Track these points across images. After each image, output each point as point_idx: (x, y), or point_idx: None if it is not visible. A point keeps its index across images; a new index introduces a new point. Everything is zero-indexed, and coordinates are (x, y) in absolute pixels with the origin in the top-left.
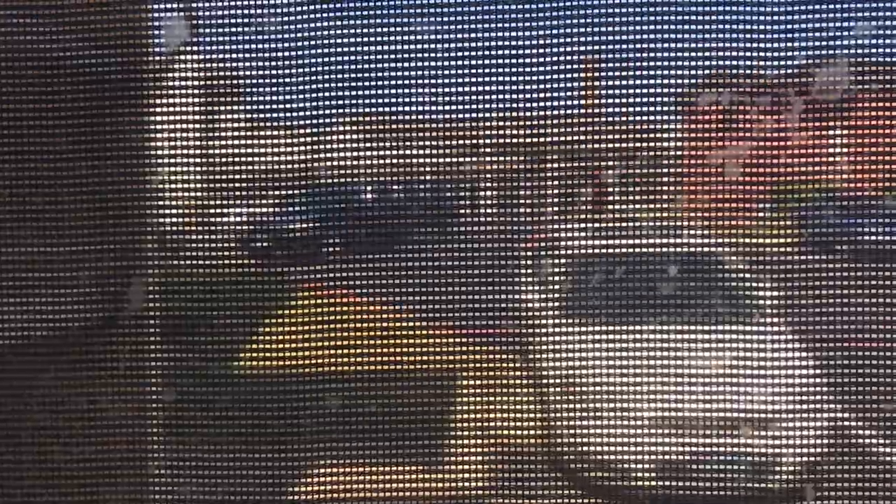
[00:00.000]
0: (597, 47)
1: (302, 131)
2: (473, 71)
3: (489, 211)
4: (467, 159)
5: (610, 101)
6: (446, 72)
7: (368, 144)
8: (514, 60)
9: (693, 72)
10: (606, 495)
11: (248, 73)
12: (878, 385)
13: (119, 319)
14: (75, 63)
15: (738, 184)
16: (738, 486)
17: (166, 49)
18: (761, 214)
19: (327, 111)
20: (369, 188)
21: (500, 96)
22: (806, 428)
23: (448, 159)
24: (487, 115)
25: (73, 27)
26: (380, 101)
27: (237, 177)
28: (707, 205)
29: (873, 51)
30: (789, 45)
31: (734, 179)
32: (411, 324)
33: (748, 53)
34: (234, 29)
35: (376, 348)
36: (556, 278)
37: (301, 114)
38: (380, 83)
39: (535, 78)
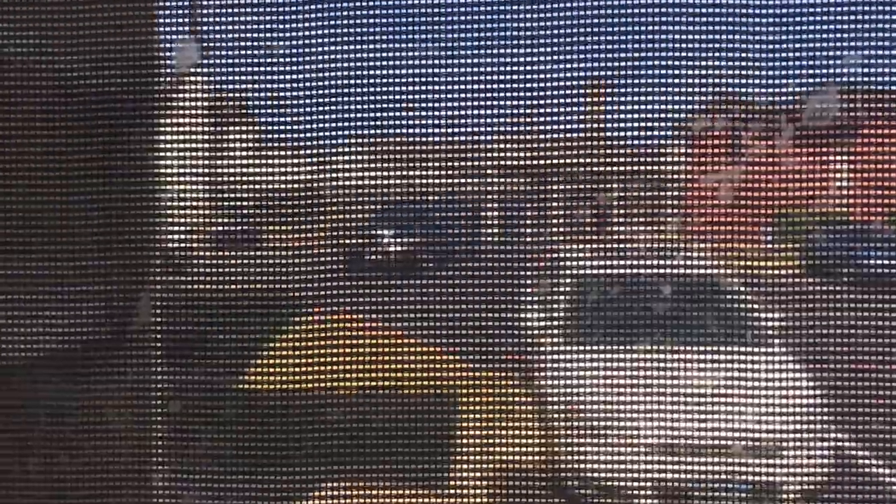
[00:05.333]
0: (599, 73)
1: (307, 152)
2: (477, 93)
3: (492, 231)
4: (470, 180)
5: (611, 125)
6: (451, 94)
7: (372, 165)
8: (517, 84)
9: (698, 97)
10: None
11: (255, 94)
12: (878, 408)
13: (127, 334)
14: (86, 84)
15: (739, 208)
16: None
17: (175, 70)
18: (762, 238)
19: (332, 132)
20: (374, 209)
21: (504, 118)
22: (806, 452)
23: (451, 180)
24: (490, 136)
25: (84, 49)
26: (384, 122)
27: (244, 195)
28: (708, 228)
29: (881, 78)
30: (789, 71)
31: (735, 203)
32: (412, 343)
33: (750, 80)
34: (241, 52)
35: (378, 368)
36: (558, 299)
37: (306, 135)
38: (384, 105)
39: (537, 101)
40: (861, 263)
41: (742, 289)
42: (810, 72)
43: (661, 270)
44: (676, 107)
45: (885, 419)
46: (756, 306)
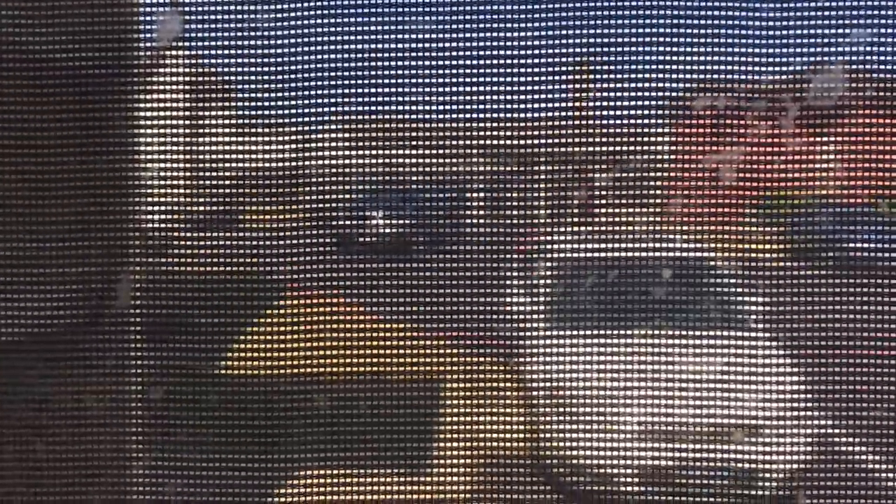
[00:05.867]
0: (590, 49)
1: (290, 130)
2: (464, 73)
3: (479, 213)
4: (457, 160)
5: (602, 104)
6: (438, 73)
7: (357, 145)
8: (506, 63)
9: (685, 76)
10: (590, 501)
11: (237, 70)
12: (865, 393)
13: (105, 317)
14: (62, 58)
15: (729, 189)
16: (722, 494)
17: (155, 45)
18: (751, 221)
19: (316, 111)
20: (358, 190)
21: (492, 97)
22: (792, 436)
23: (437, 159)
24: (477, 116)
25: (60, 22)
26: (369, 102)
27: (226, 175)
28: (696, 210)
29: (869, 58)
30: (783, 50)
31: (724, 185)
32: (398, 327)
33: (741, 59)
34: (224, 25)
35: (362, 351)
36: (545, 283)
37: (289, 112)
38: (369, 85)
39: (527, 80)
40: (845, 247)
41: (726, 273)
42: (800, 51)
43: (645, 255)
44: (668, 89)
45: (870, 404)
46: (740, 290)
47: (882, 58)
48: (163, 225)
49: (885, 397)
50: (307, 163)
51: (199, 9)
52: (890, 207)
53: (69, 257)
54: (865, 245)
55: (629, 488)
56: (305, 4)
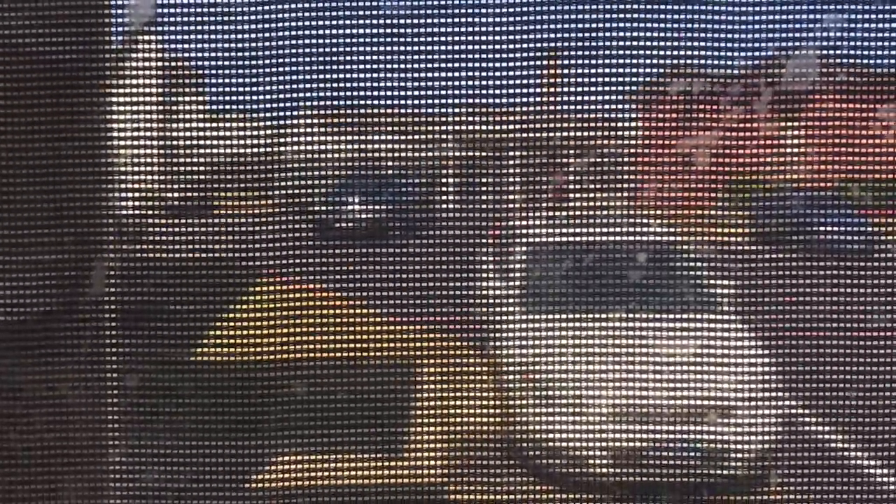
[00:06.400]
0: (559, 35)
1: (261, 116)
2: (435, 59)
3: (451, 199)
4: (428, 146)
5: (574, 90)
6: (409, 59)
7: (327, 130)
8: (475, 48)
9: (654, 61)
10: (564, 483)
11: (209, 55)
12: (831, 374)
13: (79, 305)
14: (32, 44)
15: (701, 174)
16: (692, 474)
17: (128, 28)
18: (723, 206)
19: (290, 98)
20: (333, 177)
21: (463, 83)
22: (760, 417)
23: (408, 145)
24: (448, 102)
25: (28, 6)
26: (340, 89)
27: (197, 161)
28: (669, 195)
29: (841, 44)
30: (756, 35)
31: (696, 170)
32: (370, 312)
33: (711, 44)
34: (196, 10)
35: (336, 337)
36: (519, 267)
37: (260, 98)
38: (340, 71)
39: (497, 66)
40: (814, 231)
41: (698, 257)
42: (773, 36)
43: (614, 239)
44: (637, 74)
45: (837, 385)
46: (711, 274)
47: (854, 43)
48: (137, 212)
49: (852, 377)
50: (281, 149)
51: None
52: (860, 192)
53: (42, 244)
54: (834, 229)
55: (603, 470)
56: None
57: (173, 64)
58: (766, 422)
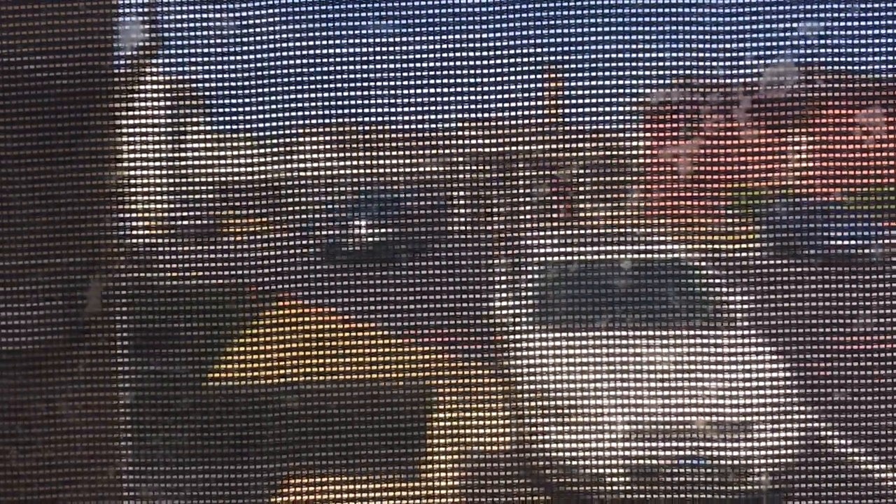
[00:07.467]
0: (554, 49)
1: (269, 135)
2: (438, 76)
3: (460, 219)
4: (438, 164)
5: (573, 103)
6: (413, 76)
7: (333, 151)
8: (476, 64)
9: (655, 73)
10: (579, 502)
11: (213, 77)
12: (843, 385)
13: (84, 331)
14: (39, 66)
15: (702, 185)
16: (706, 491)
17: (133, 53)
18: (734, 218)
19: (296, 117)
20: (340, 196)
21: (467, 98)
22: (774, 431)
23: (415, 159)
24: (450, 117)
25: (35, 27)
26: (345, 108)
27: (200, 180)
28: (679, 209)
29: (835, 51)
30: (750, 45)
31: (697, 182)
32: (380, 332)
33: (710, 54)
34: (200, 32)
35: (345, 357)
36: (527, 285)
37: (268, 117)
38: (345, 90)
39: (494, 81)
40: (824, 240)
41: (706, 268)
42: (768, 44)
43: (626, 250)
44: (634, 85)
45: (854, 397)
46: (721, 284)
47: (834, 50)
48: (142, 232)
49: (851, 382)
50: (287, 166)
51: (177, 14)
52: (855, 201)
53: (46, 266)
54: (833, 238)
55: (621, 489)
56: (280, 11)
57: (179, 86)
58: (785, 436)
